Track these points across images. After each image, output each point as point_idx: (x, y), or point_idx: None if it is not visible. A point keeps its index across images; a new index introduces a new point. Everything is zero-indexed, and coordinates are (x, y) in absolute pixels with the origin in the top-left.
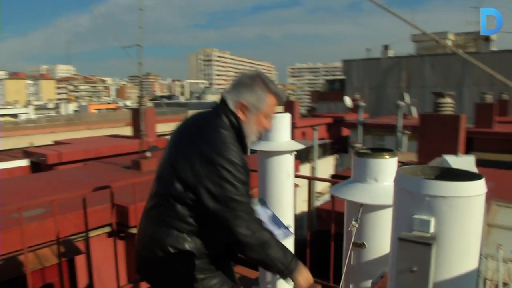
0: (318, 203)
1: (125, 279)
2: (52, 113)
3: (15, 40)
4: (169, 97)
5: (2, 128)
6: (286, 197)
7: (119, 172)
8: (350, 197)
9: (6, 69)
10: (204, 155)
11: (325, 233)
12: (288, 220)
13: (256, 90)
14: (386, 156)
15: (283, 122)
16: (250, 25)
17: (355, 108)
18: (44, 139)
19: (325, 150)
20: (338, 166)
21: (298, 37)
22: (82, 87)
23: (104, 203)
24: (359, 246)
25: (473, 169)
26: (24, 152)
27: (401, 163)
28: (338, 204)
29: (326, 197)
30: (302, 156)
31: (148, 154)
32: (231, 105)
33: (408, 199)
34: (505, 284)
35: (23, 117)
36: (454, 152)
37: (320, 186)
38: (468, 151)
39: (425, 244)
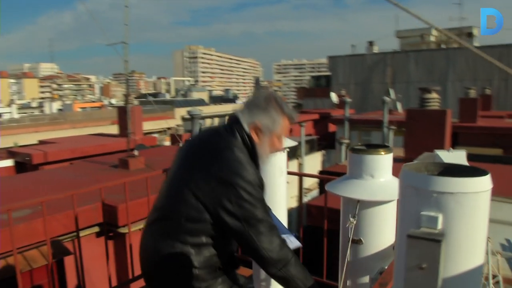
0: (306, 199)
1: (115, 279)
2: (36, 112)
3: None
4: (154, 95)
5: None
6: (279, 194)
7: (107, 171)
8: (347, 193)
9: None
10: (221, 175)
11: (315, 229)
12: (282, 217)
13: (271, 112)
14: (382, 152)
15: None
16: (234, 22)
17: (341, 104)
18: (28, 138)
19: (312, 146)
20: (325, 162)
21: (283, 34)
22: (66, 86)
23: (91, 203)
24: (356, 242)
25: (465, 164)
26: (8, 152)
27: None
28: (329, 200)
29: (314, 193)
30: (289, 153)
31: (136, 152)
32: (245, 126)
33: (415, 196)
34: (494, 276)
35: (6, 116)
36: (440, 146)
37: (308, 183)
38: (453, 145)
39: (435, 241)
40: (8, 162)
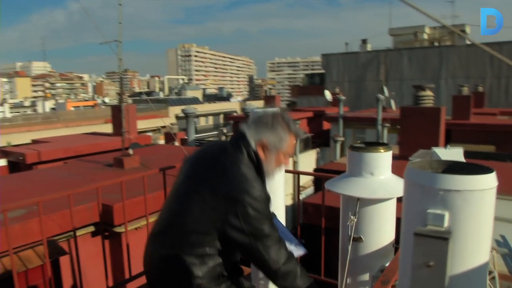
0: (301, 197)
1: (111, 279)
2: (29, 111)
3: None
4: (148, 94)
5: None
6: (277, 191)
7: (101, 170)
8: (347, 191)
9: None
10: (228, 192)
11: (312, 226)
12: (280, 214)
13: (278, 131)
14: (381, 150)
15: None
16: (228, 20)
17: (335, 102)
18: (21, 138)
19: (306, 144)
20: (319, 160)
21: (276, 32)
22: (58, 84)
23: (86, 202)
24: (356, 240)
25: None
26: (2, 152)
27: None
28: (325, 198)
29: (309, 191)
30: None
31: (130, 151)
32: (252, 143)
33: (421, 194)
34: (490, 272)
35: None
36: (435, 144)
37: (302, 180)
38: (446, 142)
39: (442, 239)
40: (1, 162)
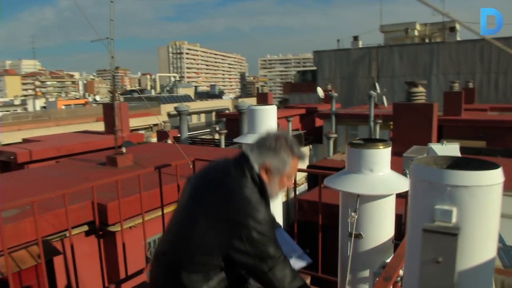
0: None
1: (106, 279)
2: (19, 110)
3: None
4: (139, 91)
5: None
6: None
7: (94, 169)
8: (347, 188)
9: None
10: (233, 216)
11: (307, 223)
12: (278, 212)
13: (281, 154)
14: (381, 146)
15: (269, 114)
16: (219, 17)
17: (327, 99)
18: (11, 137)
19: (299, 141)
20: (312, 157)
21: (268, 29)
22: (49, 83)
23: (79, 201)
24: (356, 236)
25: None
26: None
27: None
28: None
29: (302, 188)
30: None
31: (124, 149)
32: (256, 166)
33: (428, 190)
34: None
35: None
36: (428, 140)
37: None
38: (438, 138)
39: (451, 235)
40: None
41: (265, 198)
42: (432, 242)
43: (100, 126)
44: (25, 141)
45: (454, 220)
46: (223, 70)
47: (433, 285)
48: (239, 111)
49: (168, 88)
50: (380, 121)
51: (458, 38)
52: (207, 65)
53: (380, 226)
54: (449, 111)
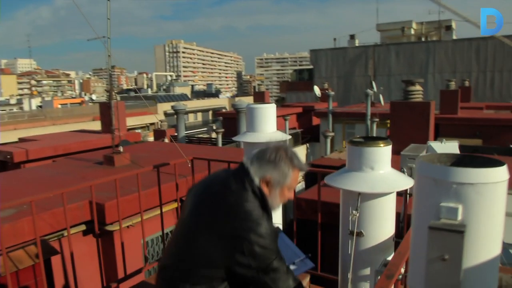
0: None
1: (104, 278)
2: (15, 109)
3: None
4: (135, 90)
5: None
6: None
7: (91, 168)
8: (347, 186)
9: None
10: (235, 231)
11: (304, 222)
12: (276, 211)
13: (281, 167)
14: (381, 144)
15: (268, 113)
16: (215, 16)
17: (324, 97)
18: (7, 136)
19: (296, 140)
20: (309, 155)
21: (264, 28)
22: (45, 82)
23: (77, 201)
24: (357, 234)
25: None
26: None
27: None
28: (316, 194)
29: (299, 186)
30: None
31: (121, 149)
32: (256, 179)
33: (434, 187)
34: None
35: None
36: (425, 138)
37: None
38: (434, 137)
39: (457, 232)
40: None
41: (267, 210)
42: (438, 239)
43: (96, 125)
44: (21, 140)
45: (459, 217)
46: (220, 69)
47: (439, 282)
48: (237, 110)
49: (164, 87)
50: (377, 119)
51: (454, 37)
52: (203, 64)
53: (381, 224)
54: (446, 110)
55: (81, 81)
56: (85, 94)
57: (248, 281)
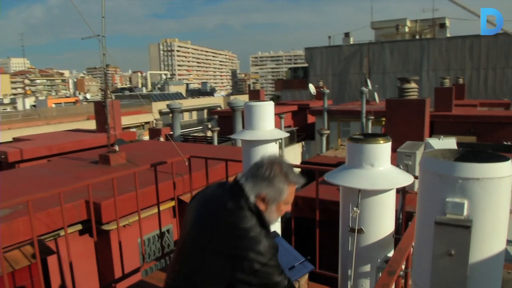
0: None
1: (101, 278)
2: (9, 108)
3: None
4: (130, 89)
5: None
6: None
7: (87, 167)
8: (348, 183)
9: None
10: (233, 251)
11: (301, 219)
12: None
13: (276, 184)
14: (381, 141)
15: (267, 111)
16: (210, 14)
17: (319, 95)
18: (1, 136)
19: (292, 138)
20: (304, 153)
21: (259, 26)
22: (38, 81)
23: (72, 200)
24: (358, 231)
25: None
26: None
27: None
28: (313, 191)
29: None
30: None
31: (117, 148)
32: (251, 197)
33: (439, 182)
34: None
35: None
36: (420, 135)
37: None
38: (430, 134)
39: (464, 227)
40: None
41: (265, 226)
42: (445, 234)
43: (91, 125)
44: (16, 140)
45: (465, 212)
46: (214, 68)
47: (445, 277)
48: (232, 108)
49: (159, 86)
50: (372, 117)
51: (448, 35)
52: (198, 63)
53: (381, 220)
54: (440, 107)
55: (75, 80)
56: (79, 93)
57: None
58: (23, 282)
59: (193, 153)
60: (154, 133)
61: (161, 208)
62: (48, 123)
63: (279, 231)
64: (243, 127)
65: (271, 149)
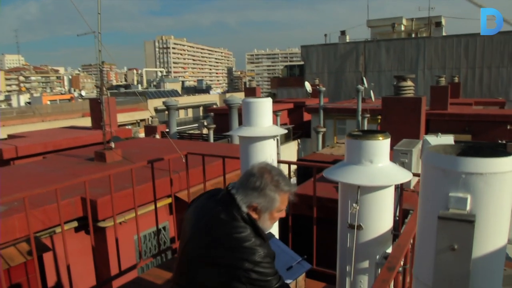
0: None
1: (97, 275)
2: (3, 105)
3: None
4: (126, 87)
5: None
6: None
7: (83, 164)
8: (347, 179)
9: None
10: (229, 262)
11: (297, 217)
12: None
13: (267, 194)
14: (380, 138)
15: (265, 107)
16: (206, 12)
17: (315, 93)
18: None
19: (287, 136)
20: (300, 151)
21: (255, 24)
22: (33, 78)
23: (68, 197)
24: (356, 228)
25: None
26: None
27: None
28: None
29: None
30: None
31: (112, 145)
32: (243, 207)
33: (442, 177)
34: None
35: None
36: (416, 133)
37: (284, 171)
38: (425, 132)
39: (468, 222)
40: None
41: (260, 234)
42: (448, 229)
43: (86, 122)
44: (10, 137)
45: (468, 207)
46: (210, 65)
47: (448, 272)
48: (229, 106)
49: (155, 83)
50: (368, 115)
51: (444, 33)
52: (194, 60)
53: (380, 217)
54: (436, 105)
55: (70, 77)
56: (74, 90)
57: None
58: (18, 279)
59: (189, 150)
60: (150, 130)
61: (158, 205)
62: (43, 120)
63: (276, 228)
64: (239, 124)
65: (269, 146)
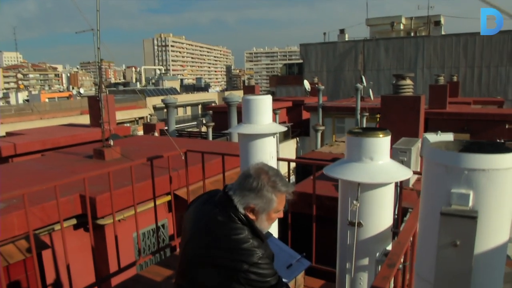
0: None
1: (96, 272)
2: (1, 103)
3: None
4: (124, 84)
5: None
6: None
7: (81, 162)
8: (347, 176)
9: None
10: (228, 264)
11: (296, 215)
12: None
13: (264, 195)
14: (380, 135)
15: (265, 104)
16: (205, 10)
17: (314, 92)
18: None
19: (286, 134)
20: (299, 149)
21: (254, 22)
22: (31, 75)
23: (67, 195)
24: (357, 225)
25: None
26: None
27: None
28: (309, 187)
29: (290, 180)
30: None
31: (111, 142)
32: (240, 208)
33: (444, 173)
34: None
35: None
36: (415, 131)
37: (283, 170)
38: (424, 131)
39: (470, 218)
40: None
41: (258, 235)
42: (451, 225)
43: (84, 119)
44: (9, 134)
45: (470, 203)
46: (209, 63)
47: (450, 268)
48: (228, 104)
49: (153, 81)
50: (366, 113)
51: (443, 32)
52: (192, 58)
53: (380, 214)
54: (435, 104)
55: (68, 74)
56: (72, 88)
57: None
58: (18, 276)
59: (188, 148)
60: (148, 128)
61: (157, 202)
62: (42, 118)
63: (276, 226)
64: (238, 122)
65: (269, 143)
